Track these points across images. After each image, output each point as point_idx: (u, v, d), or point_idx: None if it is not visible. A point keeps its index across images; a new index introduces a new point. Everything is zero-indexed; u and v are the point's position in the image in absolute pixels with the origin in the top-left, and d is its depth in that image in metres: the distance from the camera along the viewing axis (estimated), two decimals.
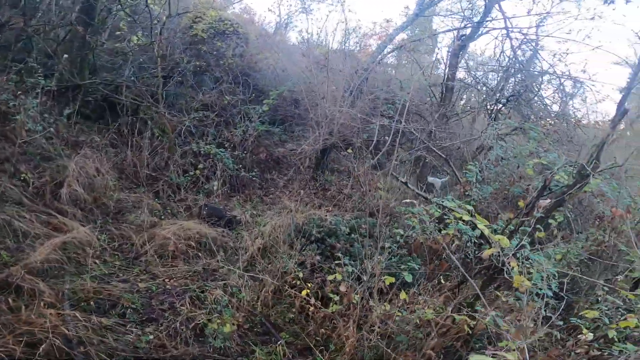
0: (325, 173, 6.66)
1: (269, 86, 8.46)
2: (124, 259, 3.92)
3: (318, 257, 4.24)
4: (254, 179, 6.54)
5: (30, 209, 3.86)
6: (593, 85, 7.16)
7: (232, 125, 7.48)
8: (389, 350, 2.79)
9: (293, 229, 4.63)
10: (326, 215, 5.13)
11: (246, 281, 3.90)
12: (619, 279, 3.22)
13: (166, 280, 3.68)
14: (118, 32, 7.42)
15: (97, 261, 3.65)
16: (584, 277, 3.13)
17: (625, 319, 2.34)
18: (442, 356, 2.73)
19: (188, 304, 3.32)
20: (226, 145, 6.89)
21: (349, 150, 6.50)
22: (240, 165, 6.56)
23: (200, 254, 4.25)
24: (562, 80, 7.30)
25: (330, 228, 4.74)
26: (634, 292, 2.70)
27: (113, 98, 6.49)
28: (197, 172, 6.06)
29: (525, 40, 7.47)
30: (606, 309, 2.74)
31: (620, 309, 2.77)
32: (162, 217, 4.96)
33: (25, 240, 3.51)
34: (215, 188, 6.01)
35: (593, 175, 3.28)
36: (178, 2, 6.55)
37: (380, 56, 8.28)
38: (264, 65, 8.88)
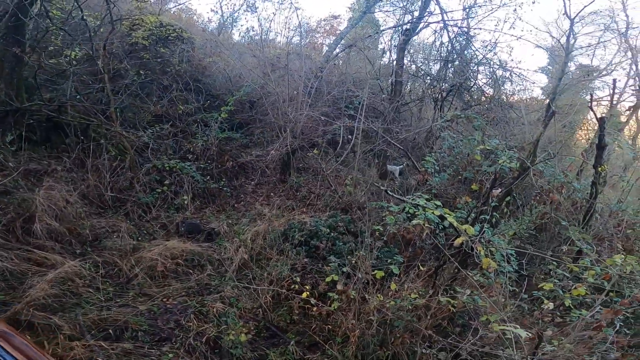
0: (293, 174, 6.86)
1: (223, 90, 8.36)
2: (115, 285, 3.91)
3: (306, 260, 4.50)
4: (223, 188, 6.55)
5: (5, 247, 3.72)
6: (519, 69, 8.13)
7: (190, 135, 7.36)
8: (388, 335, 3.18)
9: (276, 236, 4.83)
10: (304, 218, 5.38)
11: (240, 290, 4.06)
12: (563, 249, 3.89)
13: (164, 299, 3.74)
14: (51, 48, 6.85)
15: (90, 290, 3.64)
16: (537, 252, 3.73)
17: (575, 288, 2.89)
18: (434, 334, 3.16)
19: (194, 320, 3.43)
20: (189, 157, 6.80)
21: (315, 151, 6.77)
22: (208, 176, 6.53)
23: (190, 271, 4.33)
24: (494, 68, 8.16)
25: (311, 230, 5.01)
26: (576, 264, 3.31)
27: (58, 119, 6.06)
28: (165, 188, 5.94)
29: (460, 32, 8.20)
30: (558, 280, 3.33)
31: (569, 279, 3.36)
32: (139, 238, 4.89)
33: (13, 279, 3.44)
34: (186, 202, 5.95)
35: (531, 166, 3.89)
36: (111, 10, 6.17)
37: (333, 54, 8.56)
38: (215, 69, 8.70)
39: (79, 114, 6.27)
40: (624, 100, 11.68)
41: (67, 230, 4.34)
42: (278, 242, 4.75)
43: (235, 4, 11.04)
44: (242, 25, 13.55)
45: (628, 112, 11.51)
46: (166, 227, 5.28)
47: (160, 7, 9.34)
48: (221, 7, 11.17)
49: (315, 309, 3.65)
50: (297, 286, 3.96)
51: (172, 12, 11.83)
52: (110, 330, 3.15)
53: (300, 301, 3.83)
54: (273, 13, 13.29)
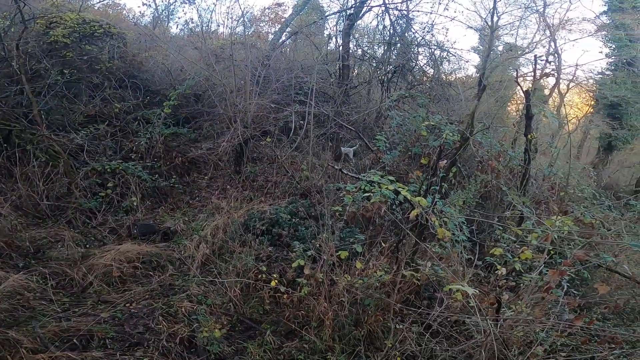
0: (248, 165, 6.73)
1: (163, 85, 7.91)
2: (70, 295, 3.67)
3: (270, 248, 4.49)
4: (174, 185, 6.26)
5: None
6: (454, 49, 8.63)
7: (131, 133, 6.90)
8: (361, 314, 3.30)
9: (237, 228, 4.74)
10: (263, 207, 5.33)
11: (207, 287, 3.97)
12: (507, 215, 4.26)
13: (127, 305, 3.56)
14: None
15: (43, 302, 3.40)
16: (484, 219, 4.06)
17: (522, 252, 3.18)
18: (404, 309, 3.34)
19: (163, 322, 3.30)
20: (133, 157, 6.38)
21: (268, 139, 6.68)
22: (156, 175, 6.19)
23: (150, 273, 4.14)
24: (432, 49, 8.56)
25: (271, 218, 4.98)
26: (520, 228, 3.64)
27: None
28: (109, 191, 5.54)
29: (400, 15, 8.46)
30: (506, 245, 3.64)
31: (516, 243, 3.68)
32: (87, 245, 4.57)
33: None
34: (135, 204, 5.60)
35: (470, 137, 4.18)
36: (21, 9, 5.54)
37: (280, 42, 8.41)
38: (152, 64, 8.17)
39: None
40: (543, 75, 12.90)
41: (3, 244, 4.01)
42: (239, 234, 4.68)
43: None
44: (179, 18, 12.69)
45: (550, 86, 12.77)
46: (116, 231, 4.96)
47: (81, 3, 8.56)
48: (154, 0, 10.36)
49: (286, 296, 3.67)
50: (264, 275, 3.95)
51: (96, 8, 10.90)
52: (74, 340, 2.98)
53: (270, 290, 3.83)
54: (213, 4, 12.63)
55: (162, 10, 10.83)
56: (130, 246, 4.33)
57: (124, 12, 12.29)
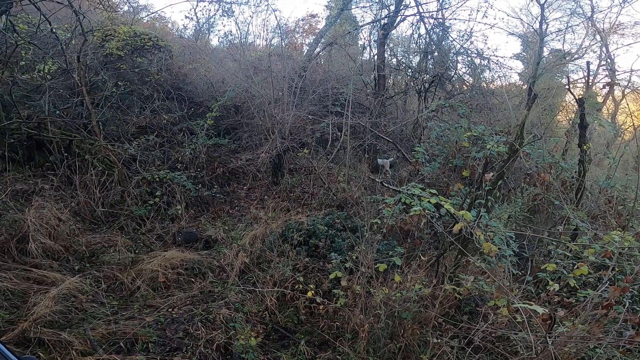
0: (285, 175, 6.84)
1: (206, 97, 8.28)
2: (119, 298, 3.89)
3: (307, 259, 4.50)
4: (216, 195, 6.49)
5: (2, 268, 3.70)
6: (496, 56, 8.33)
7: (177, 144, 7.27)
8: (398, 328, 3.21)
9: (275, 238, 4.81)
10: (300, 218, 5.37)
11: (244, 295, 4.04)
12: (559, 229, 3.98)
13: (169, 309, 3.71)
14: (22, 63, 6.65)
15: (94, 305, 3.62)
16: (535, 234, 3.82)
17: (577, 267, 2.96)
18: (443, 323, 3.20)
19: (201, 328, 3.40)
20: (178, 167, 6.72)
21: (305, 151, 6.77)
22: (199, 184, 6.47)
23: (192, 279, 4.30)
24: (472, 57, 8.31)
25: (308, 229, 5.01)
26: (575, 243, 3.38)
27: (40, 136, 5.90)
28: (157, 199, 5.85)
29: (436, 23, 8.32)
30: (559, 260, 3.40)
31: (570, 258, 3.43)
32: (136, 251, 4.84)
33: (15, 298, 3.45)
34: (179, 212, 5.87)
35: (520, 148, 3.98)
36: (80, 22, 6.04)
37: (315, 53, 8.57)
38: (195, 76, 8.60)
39: (60, 130, 6.12)
40: (597, 84, 12.08)
41: (62, 247, 4.32)
42: (277, 244, 4.74)
43: (210, 10, 10.91)
44: (219, 30, 13.39)
45: (604, 92, 11.89)
46: (162, 238, 5.23)
47: (133, 17, 9.22)
48: (195, 13, 10.98)
49: (321, 307, 3.66)
50: (301, 286, 3.97)
51: (145, 21, 11.67)
52: (120, 344, 3.13)
53: (305, 300, 3.83)
54: (250, 16, 13.12)
55: (204, 23, 11.40)
56: (175, 253, 4.52)
57: (169, 25, 13.06)
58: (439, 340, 3.08)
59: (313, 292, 3.76)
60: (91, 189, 5.49)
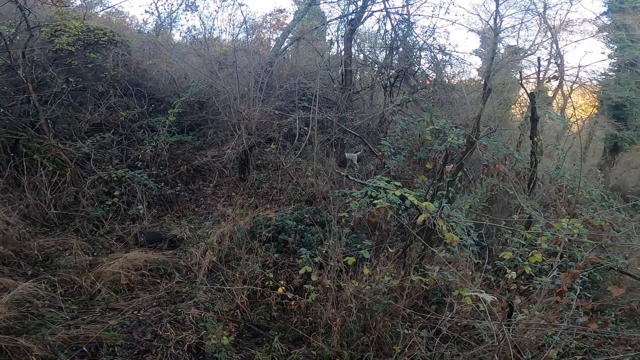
0: (252, 172, 6.74)
1: (167, 93, 7.99)
2: (78, 302, 3.70)
3: (276, 255, 4.48)
4: (180, 193, 6.28)
5: None
6: (457, 52, 8.67)
7: (137, 142, 6.96)
8: (369, 320, 3.28)
9: (243, 235, 4.74)
10: (269, 214, 5.33)
11: (214, 294, 3.96)
12: (515, 218, 4.22)
13: (135, 312, 3.57)
14: None
15: (52, 310, 3.43)
16: (492, 223, 4.02)
17: (532, 255, 3.14)
18: (412, 314, 3.31)
19: (171, 329, 3.30)
20: (139, 165, 6.43)
21: (272, 146, 6.70)
22: (162, 183, 6.23)
23: (157, 280, 4.16)
24: (434, 53, 8.57)
25: (277, 225, 4.98)
26: (529, 231, 3.60)
27: None
28: (115, 199, 5.57)
29: (401, 19, 8.48)
30: (515, 248, 3.60)
31: (525, 246, 3.63)
32: (95, 253, 4.61)
33: None
34: (141, 212, 5.63)
35: (477, 140, 4.16)
36: (26, 17, 5.61)
37: (282, 48, 8.47)
38: (156, 71, 8.26)
39: (5, 129, 5.65)
40: (546, 79, 12.88)
41: (12, 252, 4.05)
42: (246, 241, 4.68)
43: (172, 4, 10.46)
44: (182, 25, 12.80)
45: (554, 87, 12.71)
46: (123, 239, 5.00)
47: (85, 11, 8.71)
48: (157, 7, 10.45)
49: (293, 302, 3.66)
50: (271, 282, 3.94)
51: (100, 16, 11.06)
52: (84, 348, 2.99)
53: (277, 297, 3.82)
54: (215, 11, 12.66)
55: (165, 18, 10.95)
56: (138, 254, 4.35)
57: (127, 19, 12.45)
58: (410, 331, 3.18)
59: (284, 288, 3.76)
60: (41, 190, 5.13)
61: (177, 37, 11.11)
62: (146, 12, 9.61)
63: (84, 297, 3.79)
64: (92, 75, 7.64)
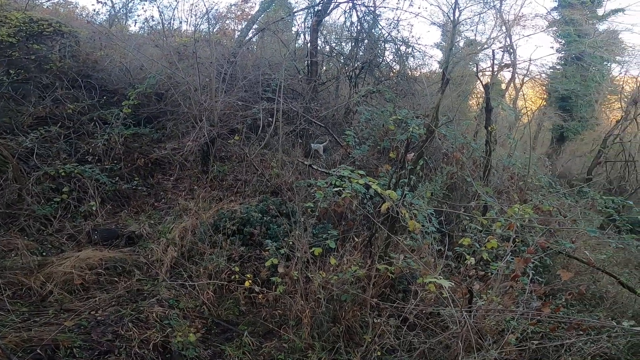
0: (215, 164, 6.54)
1: (121, 85, 7.54)
2: (29, 305, 3.46)
3: (242, 248, 4.39)
4: (137, 188, 5.97)
5: None
6: (419, 45, 8.88)
7: (87, 135, 6.52)
8: (339, 311, 3.30)
9: (206, 229, 4.60)
10: (234, 206, 5.21)
11: (178, 291, 3.83)
12: (472, 205, 4.41)
13: (92, 312, 3.38)
14: None
15: (0, 312, 3.20)
16: (451, 210, 4.18)
17: (488, 241, 3.28)
18: (380, 303, 3.37)
19: (133, 328, 3.17)
20: (90, 160, 6.02)
21: (236, 137, 6.53)
22: (117, 177, 5.89)
23: (115, 279, 3.96)
24: (398, 45, 8.71)
25: (242, 217, 4.88)
26: (485, 217, 3.76)
27: None
28: (64, 196, 5.20)
29: (367, 11, 8.52)
30: (473, 234, 3.75)
31: (482, 232, 3.78)
32: (44, 253, 4.29)
33: None
34: (94, 209, 5.29)
35: (435, 129, 4.29)
36: None
37: (246, 39, 8.21)
38: (108, 63, 7.76)
39: None
40: (497, 71, 13.51)
41: None
42: (209, 235, 4.54)
43: None
44: (139, 16, 12.06)
45: (507, 80, 13.37)
46: (75, 237, 4.68)
47: (28, 2, 8.03)
48: None
49: (261, 296, 3.62)
50: (237, 276, 3.87)
51: (45, 7, 10.24)
52: (38, 350, 2.82)
53: (244, 291, 3.76)
54: (176, 1, 12.02)
55: (120, 9, 10.34)
56: (91, 252, 4.10)
57: (77, 10, 11.64)
58: (379, 320, 3.24)
59: (251, 281, 3.69)
60: None
61: (133, 28, 10.53)
62: (98, 2, 8.93)
63: (35, 299, 3.55)
64: (36, 67, 7.16)
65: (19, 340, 2.86)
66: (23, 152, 5.59)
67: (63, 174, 5.38)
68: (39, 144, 5.78)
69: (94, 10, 13.54)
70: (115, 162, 6.15)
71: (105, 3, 9.69)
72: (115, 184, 5.76)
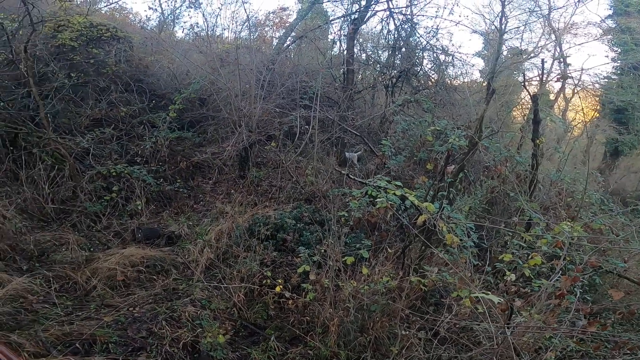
0: (252, 169, 6.71)
1: (169, 89, 7.97)
2: (73, 298, 3.66)
3: (275, 253, 4.45)
4: (179, 190, 6.25)
5: None
6: (459, 53, 8.67)
7: (137, 137, 6.94)
8: (367, 321, 3.25)
9: (241, 232, 4.71)
10: (268, 212, 5.30)
11: (211, 292, 3.94)
12: (515, 221, 4.19)
13: (130, 309, 3.53)
14: None
15: (46, 305, 3.39)
16: (492, 225, 4.00)
17: (531, 257, 3.11)
18: (410, 315, 3.28)
19: (166, 326, 3.27)
20: (138, 161, 6.40)
21: (272, 144, 6.67)
22: (161, 179, 6.20)
23: (154, 277, 4.12)
24: (437, 53, 8.55)
25: (276, 223, 4.95)
26: (529, 234, 3.57)
27: None
28: (114, 195, 5.55)
29: (404, 19, 8.46)
30: (515, 251, 3.56)
31: (524, 249, 3.60)
32: (91, 249, 4.57)
33: None
34: (139, 208, 5.60)
35: (479, 141, 4.14)
36: (29, 11, 5.60)
37: (284, 46, 8.44)
38: (158, 68, 8.23)
39: (4, 123, 5.62)
40: (551, 80, 12.85)
41: (8, 247, 3.99)
42: (244, 239, 4.64)
43: (176, 1, 10.48)
44: (185, 22, 12.84)
45: (557, 90, 12.67)
46: (121, 235, 4.96)
47: (89, 7, 8.70)
48: (160, 4, 10.43)
49: (290, 302, 3.63)
50: (269, 281, 3.92)
51: (103, 12, 11.09)
52: (77, 345, 2.95)
53: (274, 296, 3.79)
54: (219, 8, 12.64)
55: (168, 15, 10.98)
56: (134, 250, 4.32)
57: (131, 16, 12.49)
58: (407, 332, 3.16)
59: (282, 286, 3.73)
60: (39, 185, 5.10)
61: (179, 33, 11.16)
62: (150, 8, 9.60)
63: (79, 293, 3.76)
64: (94, 71, 7.65)
65: (60, 333, 3.02)
66: (79, 152, 6.03)
67: (114, 173, 5.74)
68: (94, 145, 6.21)
69: (146, 16, 14.46)
70: (161, 164, 6.48)
71: (156, 10, 10.35)
72: (159, 185, 6.06)
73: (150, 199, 5.89)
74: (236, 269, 4.18)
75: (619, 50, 13.23)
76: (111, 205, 5.44)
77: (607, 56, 13.78)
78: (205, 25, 9.53)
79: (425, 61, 8.84)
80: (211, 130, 7.71)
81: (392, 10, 8.37)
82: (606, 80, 13.87)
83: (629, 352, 2.87)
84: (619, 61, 13.31)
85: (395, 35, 8.67)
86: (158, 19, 11.06)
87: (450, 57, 8.80)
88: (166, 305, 3.63)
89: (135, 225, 5.10)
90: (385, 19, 8.62)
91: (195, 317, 3.49)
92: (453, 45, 15.53)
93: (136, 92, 7.48)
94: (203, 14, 11.78)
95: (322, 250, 3.98)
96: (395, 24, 8.47)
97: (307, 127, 6.46)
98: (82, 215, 5.12)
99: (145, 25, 10.87)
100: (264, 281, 3.96)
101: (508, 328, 2.63)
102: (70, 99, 6.94)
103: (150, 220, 5.49)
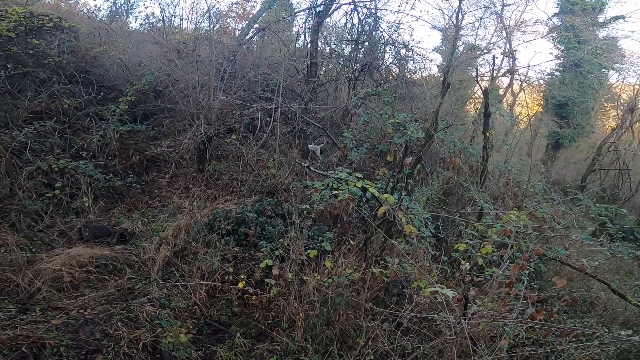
0: (211, 162, 6.50)
1: (119, 81, 7.50)
2: (16, 302, 3.40)
3: (236, 249, 4.35)
4: (132, 185, 5.91)
5: None
6: (419, 48, 8.91)
7: (82, 131, 6.46)
8: (332, 314, 3.27)
9: (200, 228, 4.56)
10: (229, 206, 5.17)
11: (170, 290, 3.79)
12: (468, 210, 4.40)
13: (81, 311, 3.32)
14: None
15: None
16: (447, 215, 4.17)
17: (483, 246, 3.27)
18: (374, 307, 3.35)
19: (122, 327, 3.11)
20: (84, 155, 5.96)
21: (233, 137, 6.49)
22: (111, 174, 5.82)
23: (105, 277, 3.89)
24: (398, 48, 8.72)
25: (237, 217, 4.84)
26: (481, 223, 3.76)
27: None
28: (57, 192, 5.14)
29: (368, 13, 8.52)
30: (469, 240, 3.73)
31: (477, 238, 3.77)
32: (33, 249, 4.23)
33: None
34: (86, 205, 5.23)
35: (435, 134, 4.29)
36: None
37: (246, 38, 8.18)
38: (107, 59, 7.70)
39: None
40: (501, 75, 13.58)
41: None
42: (203, 234, 4.50)
43: None
44: (140, 12, 12.10)
45: (505, 85, 13.42)
46: (66, 234, 4.62)
47: None
48: None
49: (254, 297, 3.58)
50: (231, 277, 3.83)
51: (47, 1, 10.19)
52: (23, 349, 2.76)
53: (237, 292, 3.72)
54: None
55: (121, 5, 10.30)
56: (82, 250, 4.04)
57: (78, 5, 11.60)
58: (372, 324, 3.22)
59: (244, 282, 3.66)
60: None
61: (134, 24, 10.51)
62: None
63: (22, 296, 3.49)
64: (34, 62, 7.12)
65: (5, 338, 2.80)
66: (17, 147, 5.52)
67: (56, 169, 5.32)
68: (33, 139, 5.72)
69: (95, 6, 13.51)
70: (110, 158, 6.10)
71: None
72: (109, 180, 5.69)
73: (99, 196, 5.53)
74: (196, 266, 4.05)
75: (563, 47, 14.16)
76: (54, 203, 5.04)
77: (552, 53, 14.76)
78: (162, 15, 9.01)
79: (387, 55, 9.00)
80: (167, 123, 7.35)
81: (357, 3, 8.39)
82: (550, 76, 14.91)
83: (574, 339, 3.07)
84: (562, 58, 14.29)
85: (359, 29, 8.72)
86: (109, 9, 10.37)
87: (411, 52, 9.02)
88: (121, 306, 3.45)
89: (82, 224, 4.77)
90: (349, 13, 8.64)
91: (154, 316, 3.35)
92: (414, 40, 15.96)
93: (82, 84, 7.01)
94: (159, 4, 11.15)
95: (285, 244, 3.95)
96: (359, 18, 8.52)
97: (268, 119, 6.35)
98: (21, 214, 4.70)
99: (94, 15, 10.13)
100: (226, 277, 3.87)
101: (464, 318, 2.75)
102: (6, 91, 6.40)
103: (99, 218, 5.15)
